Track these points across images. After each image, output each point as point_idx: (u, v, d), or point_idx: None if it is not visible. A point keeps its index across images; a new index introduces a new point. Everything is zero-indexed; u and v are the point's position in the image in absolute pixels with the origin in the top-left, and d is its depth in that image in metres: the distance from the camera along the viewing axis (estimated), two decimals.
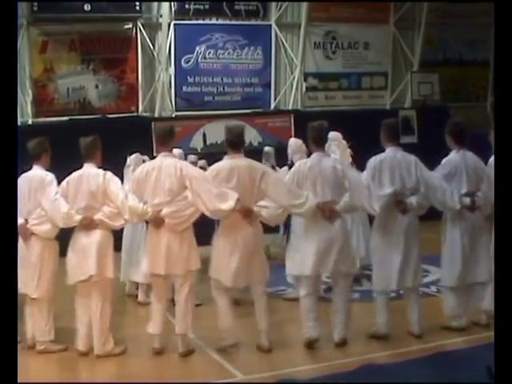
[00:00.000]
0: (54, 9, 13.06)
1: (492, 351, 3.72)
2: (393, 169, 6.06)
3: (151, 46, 14.26)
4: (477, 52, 16.78)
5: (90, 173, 6.04)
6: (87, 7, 13.24)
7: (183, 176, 5.79)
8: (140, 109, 14.27)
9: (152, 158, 8.19)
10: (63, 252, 6.11)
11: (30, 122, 13.33)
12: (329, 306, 6.18)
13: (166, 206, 5.76)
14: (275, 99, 15.24)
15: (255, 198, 5.81)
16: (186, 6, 14.41)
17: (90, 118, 13.38)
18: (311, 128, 6.15)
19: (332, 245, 5.84)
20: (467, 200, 6.11)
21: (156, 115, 14.21)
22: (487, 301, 6.07)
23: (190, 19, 14.57)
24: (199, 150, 12.96)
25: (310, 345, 5.88)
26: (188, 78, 14.62)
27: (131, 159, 7.98)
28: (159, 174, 5.81)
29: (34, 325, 6.14)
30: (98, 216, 5.94)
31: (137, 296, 7.89)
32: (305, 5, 14.95)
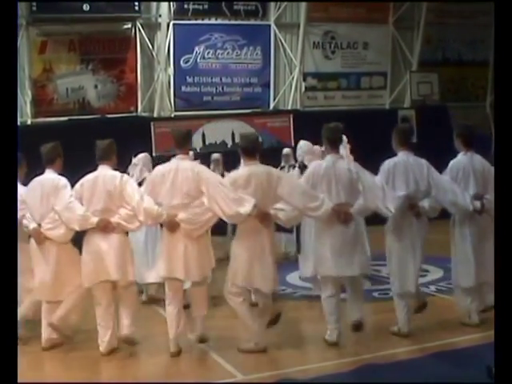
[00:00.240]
0: (53, 9, 13.07)
1: (492, 351, 3.72)
2: (406, 172, 6.09)
3: (150, 46, 14.26)
4: (476, 52, 16.80)
5: (107, 174, 6.02)
6: (86, 7, 13.26)
7: (200, 180, 5.77)
8: (139, 109, 14.28)
9: (151, 157, 8.27)
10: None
11: (29, 122, 13.34)
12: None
13: (182, 209, 5.74)
14: (274, 99, 15.25)
15: (272, 202, 5.80)
16: (185, 6, 14.42)
17: (90, 118, 13.40)
18: (326, 129, 6.16)
19: (349, 246, 5.88)
20: (477, 203, 6.17)
21: (155, 115, 14.22)
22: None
23: (189, 19, 14.59)
24: (198, 150, 12.96)
25: (332, 345, 5.92)
26: (187, 77, 14.63)
27: (139, 159, 7.95)
28: (176, 177, 5.78)
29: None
30: (114, 219, 5.91)
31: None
32: (304, 5, 14.96)
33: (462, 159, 6.34)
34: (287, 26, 15.28)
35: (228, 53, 14.87)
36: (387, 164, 6.14)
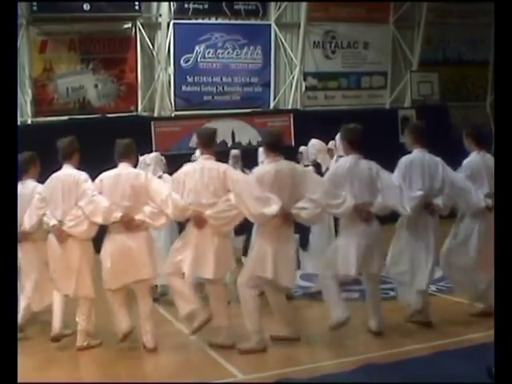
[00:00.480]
0: (53, 8, 13.06)
1: (492, 351, 3.72)
2: (422, 170, 6.18)
3: (150, 46, 14.26)
4: (476, 51, 16.80)
5: (130, 172, 6.04)
6: (86, 7, 13.25)
7: (226, 179, 5.81)
8: (139, 108, 14.27)
9: None
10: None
11: (29, 121, 13.34)
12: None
13: (209, 208, 5.76)
14: (274, 99, 15.24)
15: (295, 201, 5.82)
16: (186, 6, 14.42)
17: (90, 117, 13.40)
18: (346, 130, 6.25)
19: (370, 245, 5.96)
20: (489, 201, 6.25)
21: (155, 115, 14.22)
22: None
23: (190, 19, 14.58)
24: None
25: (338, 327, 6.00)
26: (187, 77, 14.63)
27: (151, 158, 8.03)
28: (202, 176, 5.82)
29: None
30: (139, 216, 5.90)
31: None
32: (304, 4, 14.96)
33: (475, 158, 6.45)
34: (287, 26, 15.28)
35: (228, 52, 14.87)
36: (404, 161, 6.25)
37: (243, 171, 7.85)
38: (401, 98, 16.17)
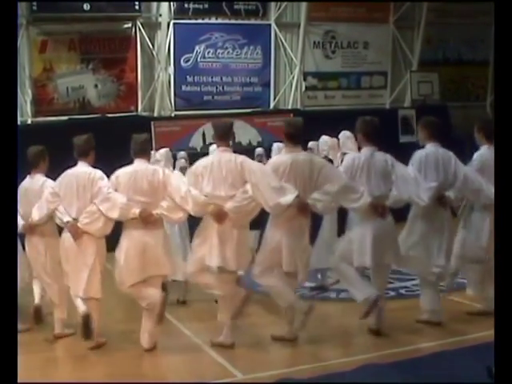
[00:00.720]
0: (53, 8, 13.03)
1: (492, 351, 3.72)
2: (436, 163, 6.28)
3: (150, 46, 14.25)
4: (476, 51, 16.79)
5: (148, 169, 6.04)
6: (87, 7, 13.22)
7: (243, 170, 5.81)
8: (139, 108, 14.25)
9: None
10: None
11: (29, 121, 13.31)
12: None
13: (227, 200, 5.77)
14: (274, 98, 15.23)
15: (311, 191, 5.85)
16: (186, 6, 14.39)
17: (90, 117, 13.37)
18: (362, 122, 6.27)
19: (384, 237, 6.01)
20: None
21: (155, 114, 14.20)
22: None
23: (190, 18, 14.56)
24: (199, 150, 12.93)
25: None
26: (187, 77, 14.61)
27: (161, 154, 8.02)
28: (219, 169, 5.82)
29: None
30: (157, 210, 5.88)
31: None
32: (304, 4, 14.94)
33: (485, 153, 6.51)
34: (287, 26, 15.26)
35: (228, 52, 14.86)
36: (419, 155, 6.34)
37: None
38: (401, 97, 16.16)
